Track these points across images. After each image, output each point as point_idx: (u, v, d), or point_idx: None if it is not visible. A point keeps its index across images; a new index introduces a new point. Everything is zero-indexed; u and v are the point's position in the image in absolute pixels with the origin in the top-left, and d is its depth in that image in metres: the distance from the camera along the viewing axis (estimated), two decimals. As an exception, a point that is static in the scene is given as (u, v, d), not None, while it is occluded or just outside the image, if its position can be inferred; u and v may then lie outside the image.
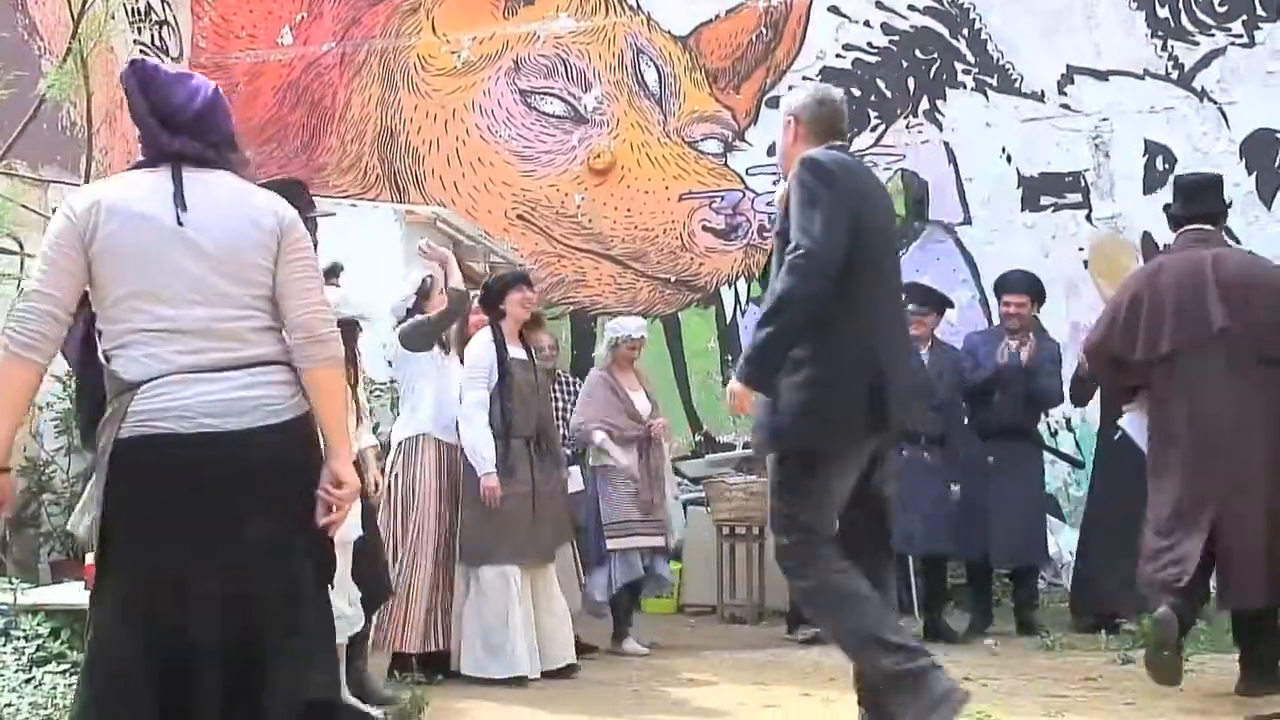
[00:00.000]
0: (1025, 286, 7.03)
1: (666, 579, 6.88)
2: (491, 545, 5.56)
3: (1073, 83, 8.89)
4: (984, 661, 5.90)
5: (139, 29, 9.66)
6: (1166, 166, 8.68)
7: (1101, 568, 6.66)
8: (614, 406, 6.61)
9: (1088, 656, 6.01)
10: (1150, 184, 8.71)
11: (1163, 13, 8.79)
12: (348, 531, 4.86)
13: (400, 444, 5.67)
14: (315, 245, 3.42)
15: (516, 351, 5.87)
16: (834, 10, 9.31)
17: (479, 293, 6.08)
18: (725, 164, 9.41)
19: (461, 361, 5.83)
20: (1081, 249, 8.72)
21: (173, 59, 10.14)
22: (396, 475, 5.63)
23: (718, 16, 9.53)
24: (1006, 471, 6.81)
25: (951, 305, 7.29)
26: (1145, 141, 8.74)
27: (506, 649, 5.48)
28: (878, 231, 3.74)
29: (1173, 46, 8.76)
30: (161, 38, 10.06)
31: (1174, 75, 8.74)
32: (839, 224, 3.54)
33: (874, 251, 3.68)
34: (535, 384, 5.94)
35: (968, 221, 8.99)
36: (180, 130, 2.73)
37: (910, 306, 6.44)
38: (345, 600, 4.78)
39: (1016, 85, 9.00)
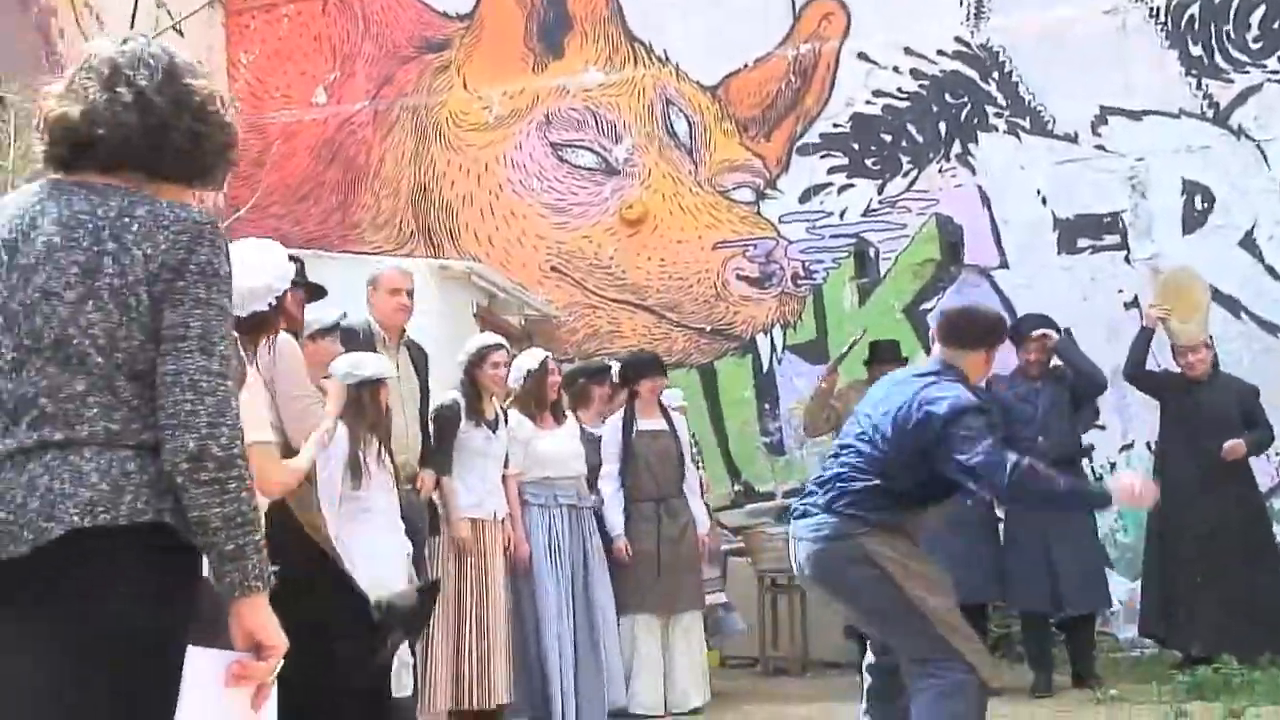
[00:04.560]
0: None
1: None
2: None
3: (1106, 123, 8.83)
4: (1037, 714, 5.78)
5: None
6: (1205, 205, 8.61)
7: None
8: None
9: (1141, 710, 5.88)
10: (1189, 224, 8.63)
11: (1196, 51, 8.73)
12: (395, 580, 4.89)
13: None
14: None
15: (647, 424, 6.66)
16: (863, 57, 9.30)
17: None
18: (758, 212, 9.39)
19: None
20: (1121, 290, 8.63)
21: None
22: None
23: (746, 65, 9.54)
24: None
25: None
26: (1183, 181, 8.66)
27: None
28: None
29: (1207, 85, 8.70)
30: (197, 100, 10.16)
31: (1210, 114, 8.68)
32: None
33: None
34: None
35: (1004, 265, 8.92)
36: None
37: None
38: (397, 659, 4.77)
39: (1049, 127, 8.95)
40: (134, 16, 8.63)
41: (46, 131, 2.05)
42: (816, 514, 4.06)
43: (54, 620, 1.84)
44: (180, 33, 9.55)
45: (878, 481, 3.99)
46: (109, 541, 1.85)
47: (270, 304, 3.55)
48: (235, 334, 2.86)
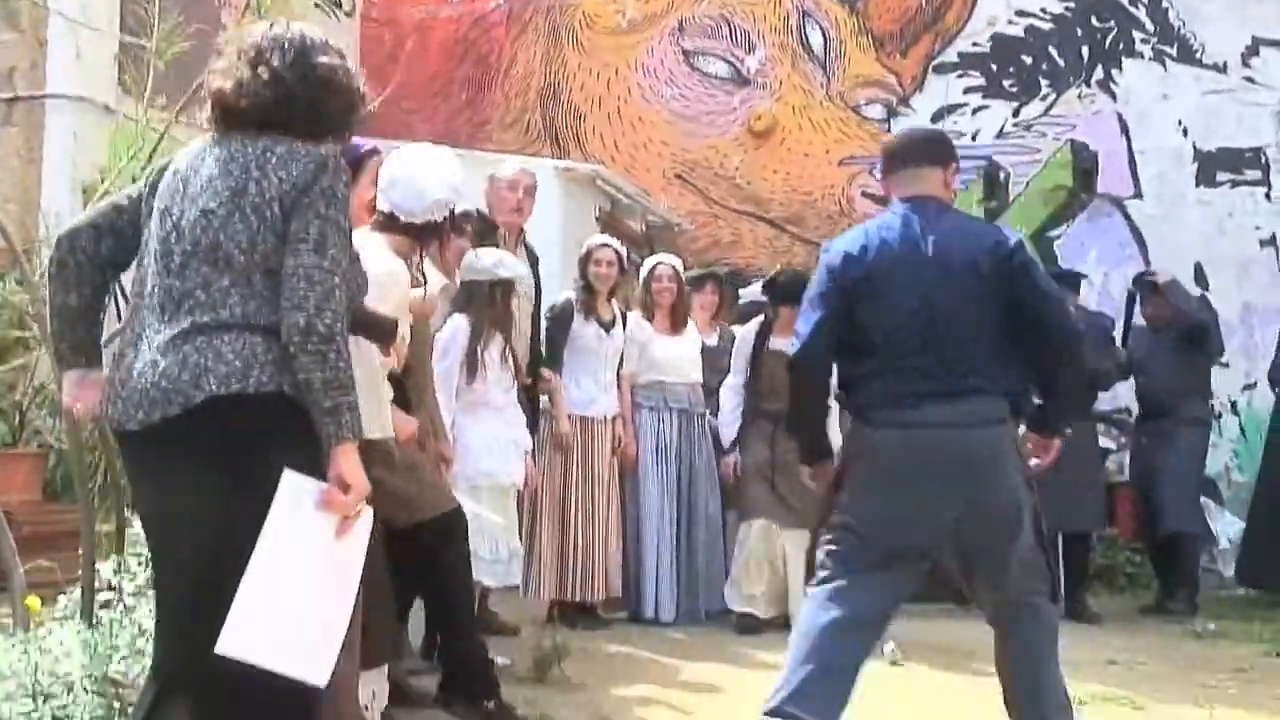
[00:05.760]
0: None
1: None
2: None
3: (1258, 55, 8.52)
4: (1131, 644, 5.78)
5: (315, -19, 9.90)
6: (1355, 145, 8.31)
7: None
8: None
9: (1240, 647, 5.84)
10: (1336, 163, 8.34)
11: (1360, -18, 8.37)
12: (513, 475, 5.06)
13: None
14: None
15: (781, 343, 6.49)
16: (1008, -26, 9.09)
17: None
18: (889, 129, 9.26)
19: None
20: (1258, 228, 8.38)
21: (345, 14, 10.40)
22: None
23: (887, -22, 9.38)
24: None
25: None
26: (1333, 118, 8.36)
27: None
28: None
29: (1369, 19, 8.34)
30: (337, -8, 10.30)
31: (1369, 49, 8.33)
32: None
33: None
34: None
35: (1138, 195, 8.71)
36: None
37: None
38: (507, 547, 4.94)
39: (1197, 56, 8.67)
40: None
41: (209, 101, 2.62)
42: (959, 395, 3.19)
43: (201, 463, 2.40)
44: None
45: (995, 351, 3.24)
46: (241, 406, 2.39)
47: (444, 217, 3.77)
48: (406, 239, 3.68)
